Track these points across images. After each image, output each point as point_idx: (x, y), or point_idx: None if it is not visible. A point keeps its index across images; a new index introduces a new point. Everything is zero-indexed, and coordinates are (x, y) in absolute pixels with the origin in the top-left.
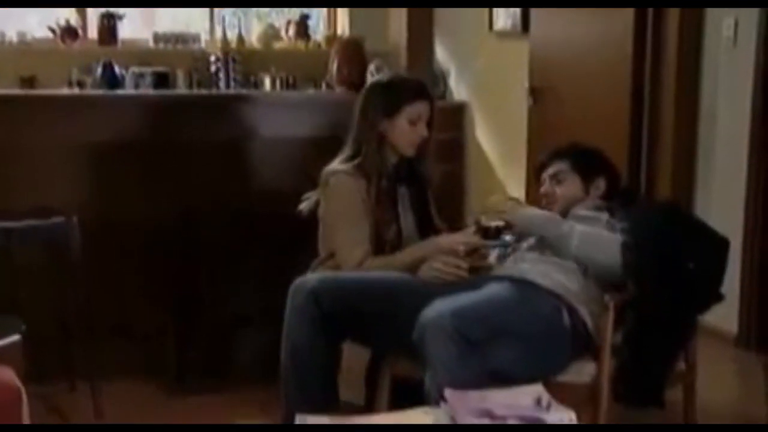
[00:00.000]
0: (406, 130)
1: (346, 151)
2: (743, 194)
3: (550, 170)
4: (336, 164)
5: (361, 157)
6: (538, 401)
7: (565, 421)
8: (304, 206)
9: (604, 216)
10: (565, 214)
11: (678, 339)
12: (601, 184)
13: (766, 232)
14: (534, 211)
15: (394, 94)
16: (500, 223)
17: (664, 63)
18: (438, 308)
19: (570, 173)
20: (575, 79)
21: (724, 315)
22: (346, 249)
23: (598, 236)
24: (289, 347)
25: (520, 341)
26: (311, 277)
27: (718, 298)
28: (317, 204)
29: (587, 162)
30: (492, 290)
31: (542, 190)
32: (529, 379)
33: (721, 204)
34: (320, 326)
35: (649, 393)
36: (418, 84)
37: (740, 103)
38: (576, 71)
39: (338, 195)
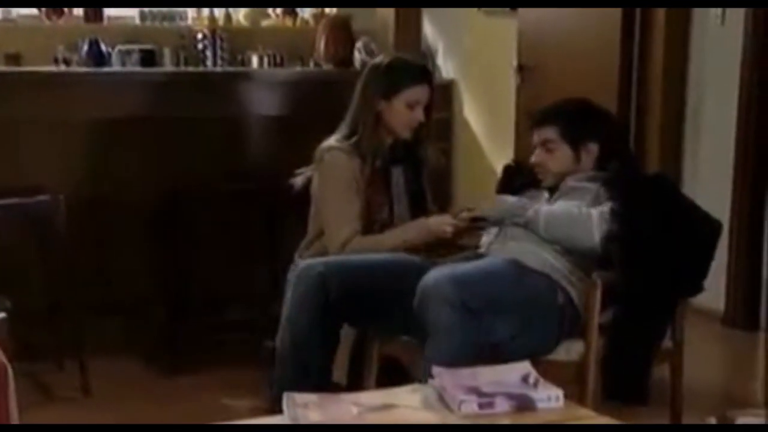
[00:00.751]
0: (403, 113)
1: (343, 129)
2: (731, 174)
3: (540, 136)
4: (332, 141)
5: (358, 136)
6: (526, 379)
7: (553, 399)
8: (297, 180)
9: (594, 186)
10: (557, 184)
11: (658, 331)
12: (592, 149)
13: (754, 211)
14: (501, 203)
15: (394, 76)
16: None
17: (652, 42)
18: (436, 275)
19: (559, 142)
20: (564, 57)
21: (711, 294)
22: (334, 227)
23: (565, 216)
24: (288, 331)
25: (517, 317)
26: (317, 262)
27: (699, 289)
28: (310, 180)
29: (576, 128)
30: (488, 263)
31: (533, 159)
32: (523, 356)
33: (708, 183)
34: (324, 312)
35: (633, 390)
36: (420, 68)
37: (728, 83)
38: (564, 49)
39: (332, 172)
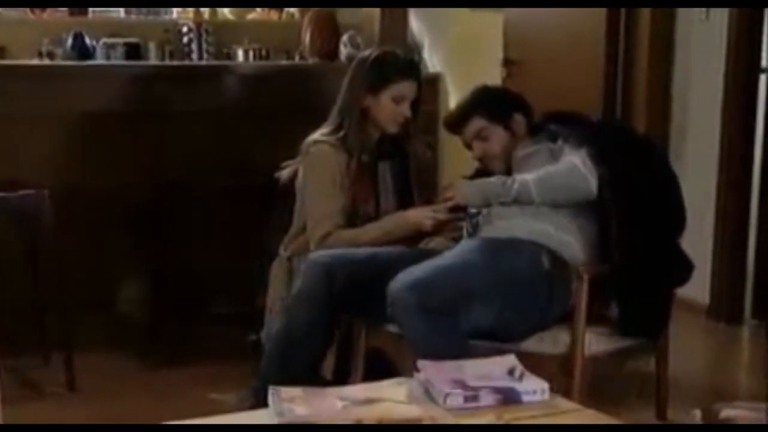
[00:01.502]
0: (390, 107)
1: (330, 123)
2: (716, 169)
3: (471, 130)
4: (318, 135)
5: (344, 131)
6: (511, 372)
7: (538, 392)
8: (282, 173)
9: (543, 146)
10: (509, 164)
11: (666, 273)
12: (519, 119)
13: (738, 204)
14: (479, 185)
15: (382, 71)
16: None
17: (637, 36)
18: (397, 283)
19: (490, 126)
20: (550, 50)
21: (696, 286)
22: (316, 221)
23: (554, 173)
24: (286, 324)
25: (496, 298)
26: (324, 254)
27: (690, 268)
28: (296, 174)
29: (496, 107)
30: (453, 254)
31: (474, 154)
32: (520, 332)
33: (693, 179)
34: (327, 306)
35: (654, 322)
36: (408, 62)
37: (712, 77)
38: (550, 43)
39: (317, 165)
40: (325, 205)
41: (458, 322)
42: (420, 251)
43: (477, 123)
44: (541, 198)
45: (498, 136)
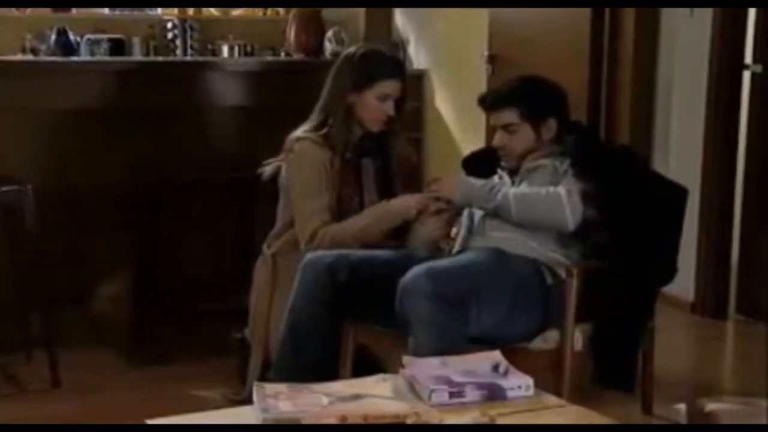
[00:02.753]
0: (374, 105)
1: (313, 120)
2: (699, 166)
3: (500, 119)
4: (301, 132)
5: (328, 127)
6: (496, 368)
7: (523, 388)
8: (266, 170)
9: (549, 162)
10: (520, 164)
11: (644, 315)
12: (552, 124)
13: (723, 200)
14: (467, 185)
15: (367, 69)
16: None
17: (622, 31)
18: (414, 272)
19: (521, 124)
20: (534, 46)
21: (681, 282)
22: (304, 220)
23: (535, 197)
24: (291, 326)
25: (503, 304)
26: (326, 253)
27: (674, 270)
28: (278, 171)
29: (535, 107)
30: (467, 256)
31: (496, 141)
32: (507, 341)
33: (677, 174)
34: (329, 304)
35: (621, 376)
36: (393, 61)
37: (697, 72)
38: (535, 40)
39: (302, 162)
40: (311, 203)
41: (465, 321)
42: (420, 256)
43: (508, 115)
44: (517, 216)
45: (524, 136)
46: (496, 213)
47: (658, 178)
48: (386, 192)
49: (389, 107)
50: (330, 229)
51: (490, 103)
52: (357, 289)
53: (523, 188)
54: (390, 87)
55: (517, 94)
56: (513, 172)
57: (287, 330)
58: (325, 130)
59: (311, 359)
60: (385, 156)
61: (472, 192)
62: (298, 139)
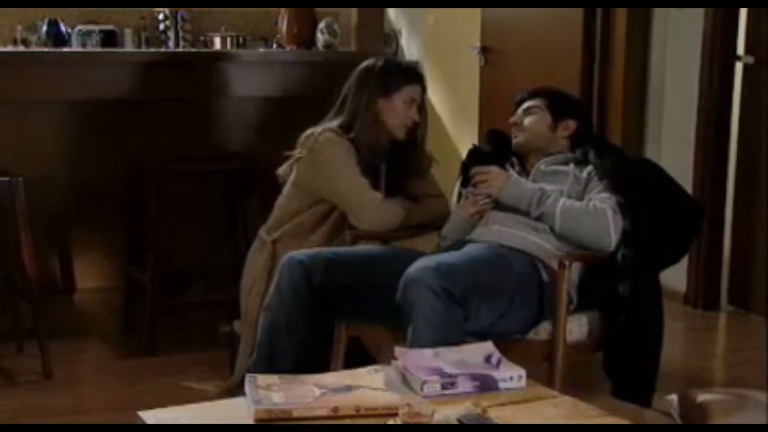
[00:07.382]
0: (401, 110)
1: (335, 121)
2: (692, 158)
3: (525, 105)
4: (322, 129)
5: (354, 132)
6: (488, 358)
7: (515, 378)
8: (281, 168)
9: (569, 169)
10: (528, 146)
11: (660, 330)
12: (570, 125)
13: (715, 193)
14: (518, 188)
15: (395, 74)
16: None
17: (615, 22)
18: (419, 265)
19: (543, 109)
20: (526, 38)
21: (673, 274)
22: (362, 192)
23: (582, 212)
24: (269, 324)
25: (502, 300)
26: (300, 252)
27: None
28: (291, 168)
29: (561, 103)
30: (471, 250)
31: (512, 118)
32: (501, 336)
33: (670, 167)
34: (306, 305)
35: (643, 393)
36: (415, 67)
37: (689, 64)
38: (527, 31)
39: (333, 148)
40: (359, 178)
41: (466, 317)
42: (406, 251)
43: (534, 101)
44: (561, 230)
45: (540, 119)
46: (539, 219)
47: (682, 194)
48: (395, 193)
49: (414, 112)
50: (395, 200)
51: (521, 96)
52: (339, 288)
53: (573, 202)
54: (416, 91)
55: (547, 90)
56: (522, 163)
57: (264, 331)
58: (351, 135)
59: (285, 369)
60: (400, 162)
61: (523, 195)
62: (323, 131)
